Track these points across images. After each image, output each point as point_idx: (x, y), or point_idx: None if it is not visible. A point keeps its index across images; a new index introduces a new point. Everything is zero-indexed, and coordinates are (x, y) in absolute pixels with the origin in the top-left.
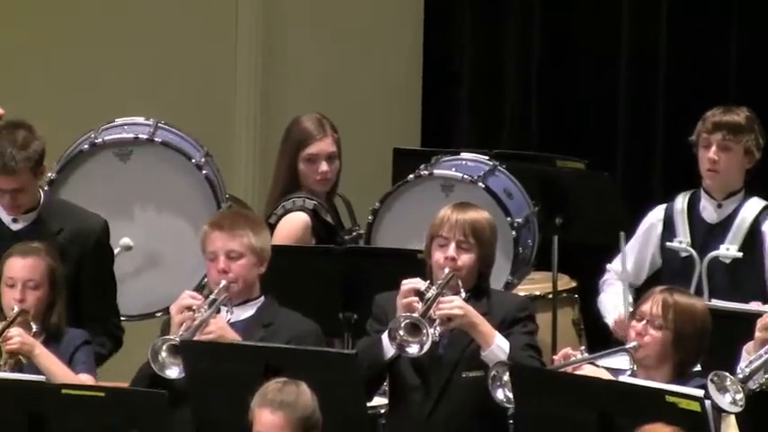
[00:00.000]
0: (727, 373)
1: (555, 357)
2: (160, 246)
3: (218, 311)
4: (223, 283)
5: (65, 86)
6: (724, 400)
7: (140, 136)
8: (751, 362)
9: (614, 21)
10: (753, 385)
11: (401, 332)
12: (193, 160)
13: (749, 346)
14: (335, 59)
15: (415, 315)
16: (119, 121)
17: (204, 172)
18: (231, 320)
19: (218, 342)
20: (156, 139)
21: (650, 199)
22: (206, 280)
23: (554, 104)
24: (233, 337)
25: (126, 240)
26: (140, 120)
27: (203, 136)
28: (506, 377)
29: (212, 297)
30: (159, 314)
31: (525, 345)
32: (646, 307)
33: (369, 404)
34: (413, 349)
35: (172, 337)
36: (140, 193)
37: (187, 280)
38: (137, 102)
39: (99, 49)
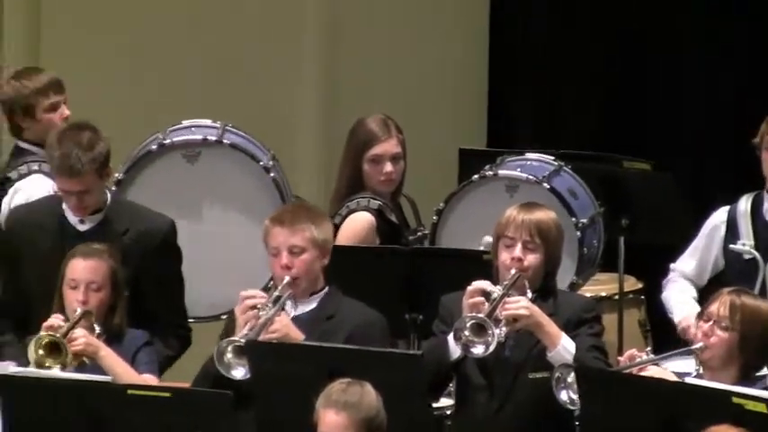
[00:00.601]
0: None
1: (620, 359)
2: (227, 247)
3: (283, 308)
4: (287, 279)
5: (130, 90)
6: None
7: (209, 137)
8: None
9: (683, 19)
10: None
11: (466, 332)
12: (261, 163)
13: None
14: (400, 60)
15: (481, 315)
16: (186, 122)
17: (272, 175)
18: (294, 314)
19: (282, 342)
20: (225, 141)
21: (714, 200)
22: (271, 283)
23: (620, 105)
24: (297, 335)
25: (192, 227)
26: (207, 122)
27: (267, 138)
28: (570, 378)
29: (276, 294)
30: (225, 316)
31: (591, 346)
32: (713, 308)
33: (434, 405)
34: (478, 349)
35: (237, 338)
36: (208, 195)
37: (254, 281)
38: (201, 104)
39: (164, 52)
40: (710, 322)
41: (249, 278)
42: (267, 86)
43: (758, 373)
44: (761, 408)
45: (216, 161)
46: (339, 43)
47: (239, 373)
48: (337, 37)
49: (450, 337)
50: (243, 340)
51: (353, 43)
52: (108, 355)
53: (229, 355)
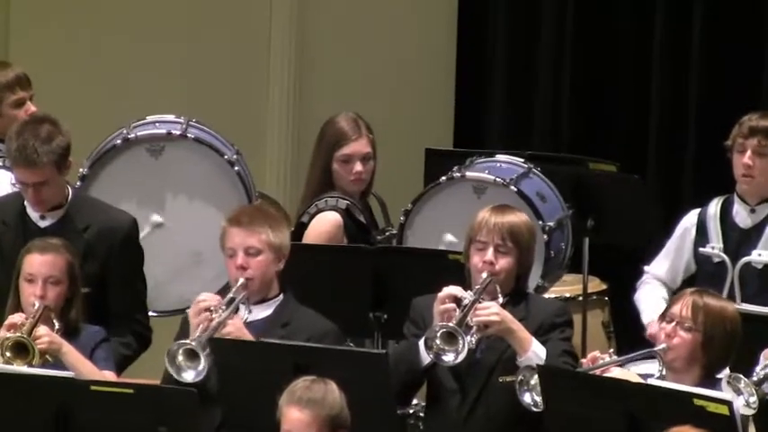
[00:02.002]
0: (742, 376)
1: (583, 360)
2: (192, 241)
3: (237, 311)
4: (241, 280)
5: (95, 84)
6: (738, 402)
7: (173, 132)
8: (765, 365)
9: (647, 23)
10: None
11: (437, 341)
12: (225, 156)
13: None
14: (368, 59)
15: (452, 324)
16: (150, 118)
17: (236, 168)
18: (249, 320)
19: (247, 340)
20: (189, 135)
21: (681, 202)
22: None
23: (586, 106)
24: (249, 338)
25: (156, 218)
26: (171, 117)
27: (236, 135)
28: (533, 381)
29: (230, 296)
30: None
31: (562, 351)
32: (675, 309)
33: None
34: (449, 357)
35: (188, 341)
36: (172, 189)
37: (218, 276)
38: (168, 100)
39: (130, 47)
40: (673, 323)
41: (213, 272)
42: (236, 86)
43: (720, 375)
44: (722, 410)
45: (180, 155)
46: (307, 43)
47: (189, 375)
48: (306, 36)
49: (422, 343)
50: (193, 343)
51: (322, 43)
52: (70, 352)
53: (180, 358)
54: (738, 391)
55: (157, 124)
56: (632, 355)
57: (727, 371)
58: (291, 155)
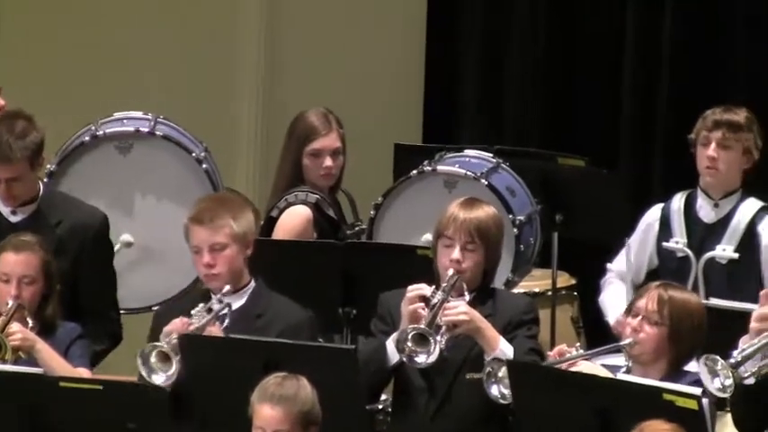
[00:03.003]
0: (719, 358)
1: (550, 354)
2: (160, 239)
3: (210, 309)
4: (226, 288)
5: (63, 81)
6: (713, 385)
7: (141, 129)
8: (743, 349)
9: (617, 18)
10: (744, 373)
11: (409, 343)
12: (193, 154)
13: (746, 338)
14: (337, 53)
15: (423, 326)
16: (117, 114)
17: (204, 166)
18: (226, 313)
19: (217, 336)
20: (157, 133)
21: (650, 197)
22: None
23: (555, 101)
24: None
25: (126, 237)
26: (139, 114)
27: (205, 130)
28: (501, 373)
29: (208, 306)
30: (157, 307)
31: (529, 349)
32: (641, 303)
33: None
34: (421, 359)
35: (161, 344)
36: (140, 187)
37: (186, 273)
38: (137, 96)
39: (98, 43)
40: (639, 317)
41: (182, 269)
42: (205, 80)
43: (686, 368)
44: (691, 404)
45: (148, 153)
46: (277, 38)
47: (160, 378)
48: (275, 32)
49: (390, 343)
50: (167, 346)
51: (292, 37)
52: (43, 349)
53: (153, 360)
54: (714, 373)
55: (125, 121)
56: (599, 349)
57: (693, 363)
58: (261, 150)
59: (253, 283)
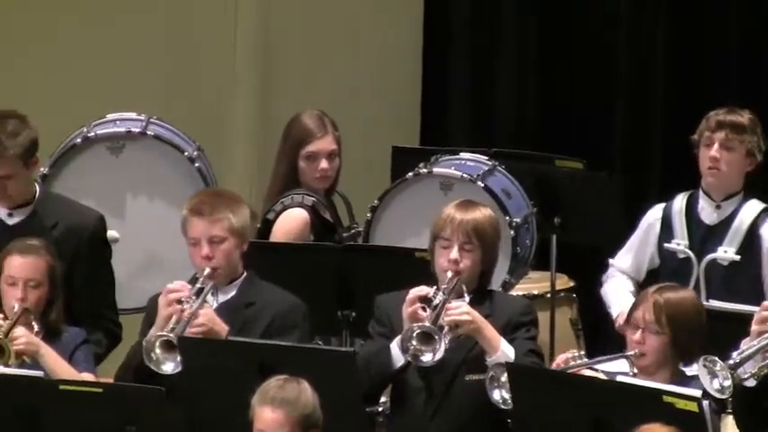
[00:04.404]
0: (718, 359)
1: (555, 362)
2: (153, 239)
3: (206, 300)
4: (207, 270)
5: (57, 82)
6: (712, 386)
7: (133, 130)
8: (743, 350)
9: (613, 17)
10: (743, 374)
11: (414, 342)
12: (186, 153)
13: (746, 340)
14: (333, 55)
15: (428, 324)
16: (110, 116)
17: (197, 165)
18: (214, 305)
19: (214, 339)
20: (149, 133)
21: (647, 199)
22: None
23: (552, 103)
24: (221, 327)
25: (113, 233)
26: (132, 115)
27: (200, 132)
28: (503, 378)
29: (198, 287)
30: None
31: (528, 350)
32: (639, 314)
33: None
34: (427, 358)
35: (165, 333)
36: (133, 187)
37: (181, 272)
38: (132, 98)
39: (94, 44)
40: (639, 330)
41: (176, 269)
42: (199, 82)
43: (691, 373)
44: (692, 407)
45: (140, 153)
46: (273, 40)
47: (169, 367)
48: (271, 33)
49: (394, 346)
50: (171, 335)
51: (287, 40)
52: (48, 354)
53: (158, 351)
54: (713, 374)
55: (118, 122)
56: (604, 358)
57: (695, 366)
58: (257, 152)
59: (244, 274)
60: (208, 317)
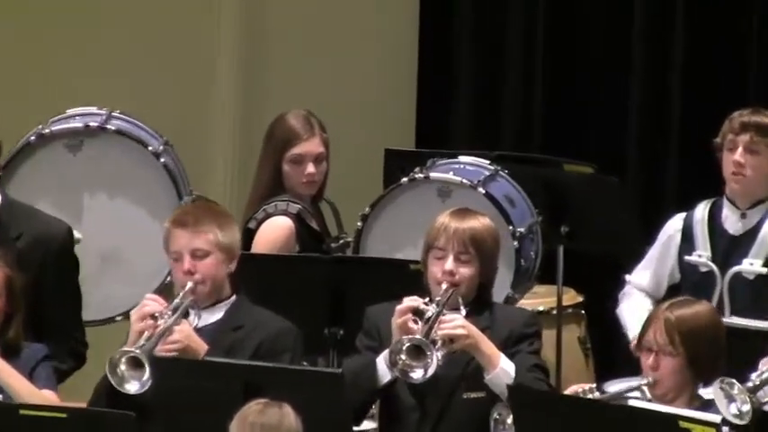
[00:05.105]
0: (736, 381)
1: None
2: (118, 243)
3: (186, 316)
4: (189, 285)
5: (31, 81)
6: (729, 411)
7: (91, 124)
8: (762, 372)
9: (626, 20)
10: (763, 398)
11: (403, 356)
12: (150, 148)
13: (766, 360)
14: (321, 50)
15: (419, 337)
16: (70, 111)
17: (162, 160)
18: (198, 325)
19: (193, 360)
20: (109, 127)
21: (664, 206)
22: (169, 279)
23: (560, 104)
24: (199, 345)
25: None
26: (93, 109)
27: (178, 131)
28: (510, 421)
29: (177, 301)
30: (120, 318)
31: (532, 366)
32: (650, 336)
33: (356, 429)
34: (417, 374)
35: (131, 348)
36: (94, 187)
37: (149, 279)
38: (108, 98)
39: (70, 42)
40: (653, 354)
41: (144, 276)
42: (179, 73)
43: (708, 396)
44: None
45: (100, 149)
46: (258, 36)
47: (133, 386)
48: (256, 30)
49: (380, 360)
50: (137, 351)
51: (273, 35)
52: (4, 370)
53: (123, 368)
54: (731, 398)
55: (77, 118)
56: (617, 391)
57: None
58: (239, 155)
59: (234, 297)
60: (184, 333)
